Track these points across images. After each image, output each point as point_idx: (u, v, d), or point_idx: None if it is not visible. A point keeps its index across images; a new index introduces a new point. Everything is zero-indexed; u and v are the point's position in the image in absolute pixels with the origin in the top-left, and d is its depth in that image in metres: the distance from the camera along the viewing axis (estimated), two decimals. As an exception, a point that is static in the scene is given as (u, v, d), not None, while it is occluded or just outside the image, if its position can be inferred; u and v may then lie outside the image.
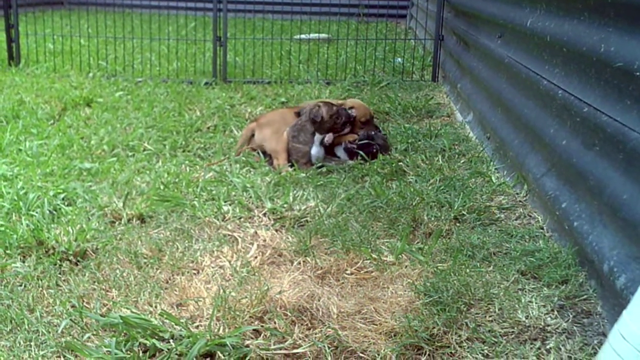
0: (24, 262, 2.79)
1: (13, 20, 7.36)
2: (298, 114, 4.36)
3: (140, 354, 2.17)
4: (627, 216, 2.33)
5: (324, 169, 4.06)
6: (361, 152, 4.18)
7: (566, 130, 3.05)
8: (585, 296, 2.46)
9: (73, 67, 7.27)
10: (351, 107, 4.46)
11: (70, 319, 2.33)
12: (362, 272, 2.75)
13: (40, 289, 2.57)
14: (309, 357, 2.19)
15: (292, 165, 4.08)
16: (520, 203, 3.40)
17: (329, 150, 4.28)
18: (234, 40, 8.10)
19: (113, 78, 6.89)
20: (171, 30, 8.66)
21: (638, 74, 2.34)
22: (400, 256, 2.84)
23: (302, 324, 2.36)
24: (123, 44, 7.60)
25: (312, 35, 9.12)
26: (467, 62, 5.58)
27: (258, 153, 4.29)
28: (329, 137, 4.19)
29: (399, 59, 7.76)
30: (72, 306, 2.44)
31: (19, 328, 2.31)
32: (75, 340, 2.24)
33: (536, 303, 2.42)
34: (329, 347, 2.22)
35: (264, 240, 3.04)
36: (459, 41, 6.28)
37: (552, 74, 3.29)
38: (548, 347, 2.21)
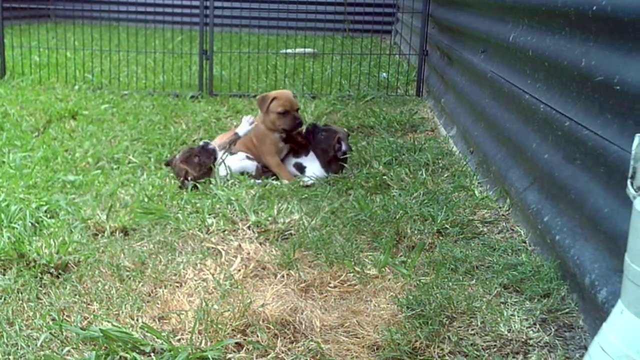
0: (4, 274, 2.77)
1: (-2, 32, 7.34)
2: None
3: (121, 368, 2.15)
4: (607, 229, 2.35)
5: (309, 182, 4.08)
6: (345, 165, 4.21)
7: (548, 144, 3.07)
8: (567, 310, 2.47)
9: (59, 80, 7.25)
10: (274, 97, 4.27)
11: (50, 333, 2.31)
12: (345, 285, 2.75)
13: (20, 302, 2.55)
14: (291, 370, 2.18)
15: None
16: (503, 217, 3.41)
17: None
18: (220, 54, 8.12)
19: (99, 91, 6.87)
20: (158, 43, 8.67)
21: (618, 88, 2.37)
22: (383, 269, 2.84)
23: (284, 338, 2.35)
24: (109, 57, 7.60)
25: (298, 50, 9.16)
26: (450, 77, 5.62)
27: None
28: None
29: (384, 74, 7.80)
30: (52, 319, 2.41)
31: (-3, 341, 2.28)
32: (54, 353, 2.22)
33: (518, 316, 2.43)
34: (311, 361, 2.21)
35: (248, 253, 3.03)
36: (442, 56, 6.33)
37: (534, 88, 3.32)
38: (530, 360, 2.22)
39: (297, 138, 4.39)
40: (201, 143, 4.10)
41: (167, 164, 4.22)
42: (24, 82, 7.08)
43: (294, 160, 4.35)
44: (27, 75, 7.37)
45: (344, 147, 4.22)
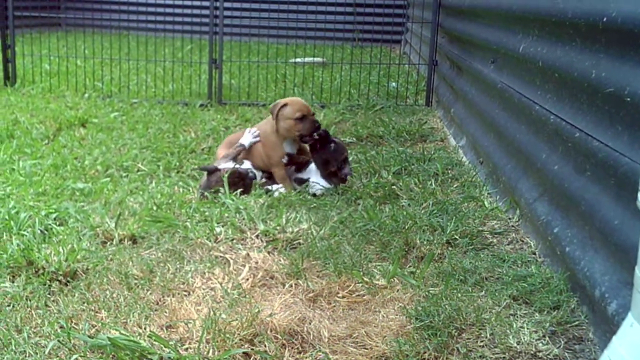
0: (13, 282, 2.77)
1: (10, 40, 7.40)
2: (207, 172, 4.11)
3: (128, 376, 2.15)
4: (618, 241, 2.34)
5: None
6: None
7: (558, 155, 3.06)
8: (577, 322, 2.45)
9: (69, 88, 7.29)
10: (285, 104, 4.21)
11: (58, 340, 2.31)
12: (353, 295, 2.74)
13: (29, 309, 2.55)
14: (299, 380, 2.17)
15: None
16: (513, 228, 3.40)
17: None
18: (229, 63, 8.15)
19: (108, 99, 6.91)
20: (167, 52, 8.71)
21: (629, 99, 2.36)
22: (392, 280, 2.83)
23: (292, 348, 2.35)
24: (119, 65, 7.64)
25: (307, 59, 9.18)
26: (460, 87, 5.62)
27: None
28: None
29: (394, 84, 7.81)
30: (61, 327, 2.42)
31: (5, 349, 2.28)
32: (62, 361, 2.22)
33: (528, 329, 2.41)
34: (319, 371, 2.20)
35: (256, 263, 3.02)
36: (452, 66, 6.33)
37: (544, 99, 3.31)
38: (539, 372, 2.20)
39: (299, 159, 4.34)
40: (244, 170, 4.08)
41: (208, 171, 4.03)
42: (34, 90, 7.13)
43: (294, 176, 4.30)
44: (37, 83, 7.42)
45: (346, 170, 4.16)
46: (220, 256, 3.09)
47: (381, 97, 7.32)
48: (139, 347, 2.24)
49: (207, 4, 7.17)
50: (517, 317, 2.50)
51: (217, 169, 4.01)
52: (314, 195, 4.04)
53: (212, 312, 2.49)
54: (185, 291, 2.75)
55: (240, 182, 3.99)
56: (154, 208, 3.65)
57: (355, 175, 4.28)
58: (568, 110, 2.99)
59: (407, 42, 11.80)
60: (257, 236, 3.34)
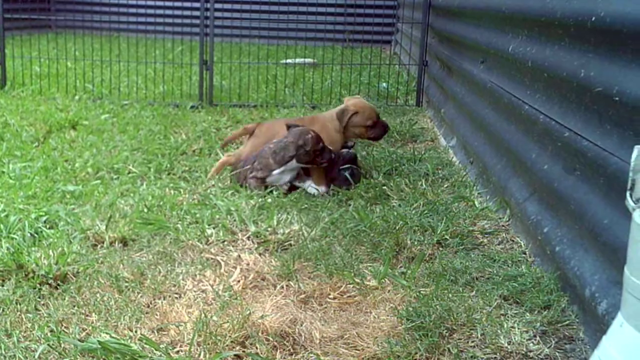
0: (2, 285, 2.75)
1: (0, 43, 7.37)
2: (288, 127, 4.27)
3: (119, 380, 2.14)
4: (607, 241, 2.35)
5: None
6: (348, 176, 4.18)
7: (547, 154, 3.07)
8: (567, 322, 2.46)
9: (59, 90, 7.26)
10: (355, 112, 4.39)
11: (48, 344, 2.30)
12: (345, 296, 2.74)
13: (19, 313, 2.54)
14: (290, 382, 2.17)
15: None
16: (503, 228, 3.41)
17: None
18: (220, 64, 8.14)
19: (99, 101, 6.88)
20: (158, 53, 8.69)
21: (617, 98, 2.37)
22: (383, 281, 2.84)
23: (284, 350, 2.34)
24: (110, 67, 7.61)
25: (298, 60, 9.18)
26: (450, 87, 5.63)
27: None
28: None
29: (384, 84, 7.82)
30: (51, 331, 2.40)
31: (-5, 353, 2.27)
32: (52, 365, 2.20)
33: (518, 328, 2.42)
34: (310, 373, 2.20)
35: (247, 264, 3.02)
36: (442, 66, 6.34)
37: (534, 99, 3.32)
38: (530, 372, 2.20)
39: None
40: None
41: (291, 126, 4.21)
42: (24, 93, 7.09)
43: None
44: (27, 85, 7.39)
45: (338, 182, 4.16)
46: (212, 258, 3.09)
47: (372, 97, 7.32)
48: (129, 350, 2.24)
49: (197, 5, 7.16)
50: (508, 317, 2.51)
51: (297, 125, 4.22)
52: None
53: (203, 315, 2.49)
54: (176, 294, 2.74)
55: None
56: (145, 210, 3.63)
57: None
58: (557, 110, 3.00)
59: (397, 43, 11.82)
60: (248, 238, 3.34)
